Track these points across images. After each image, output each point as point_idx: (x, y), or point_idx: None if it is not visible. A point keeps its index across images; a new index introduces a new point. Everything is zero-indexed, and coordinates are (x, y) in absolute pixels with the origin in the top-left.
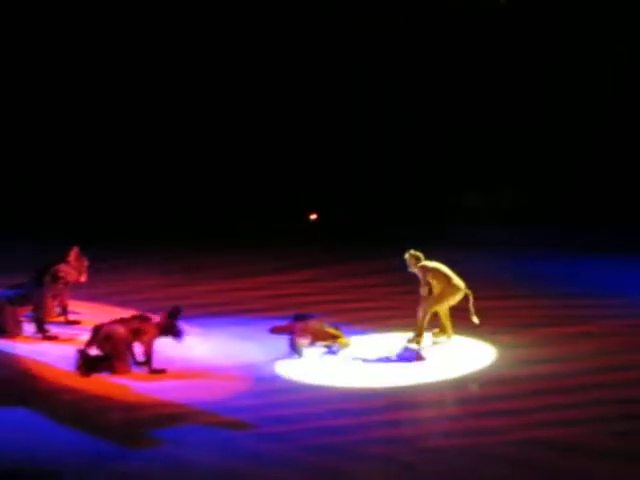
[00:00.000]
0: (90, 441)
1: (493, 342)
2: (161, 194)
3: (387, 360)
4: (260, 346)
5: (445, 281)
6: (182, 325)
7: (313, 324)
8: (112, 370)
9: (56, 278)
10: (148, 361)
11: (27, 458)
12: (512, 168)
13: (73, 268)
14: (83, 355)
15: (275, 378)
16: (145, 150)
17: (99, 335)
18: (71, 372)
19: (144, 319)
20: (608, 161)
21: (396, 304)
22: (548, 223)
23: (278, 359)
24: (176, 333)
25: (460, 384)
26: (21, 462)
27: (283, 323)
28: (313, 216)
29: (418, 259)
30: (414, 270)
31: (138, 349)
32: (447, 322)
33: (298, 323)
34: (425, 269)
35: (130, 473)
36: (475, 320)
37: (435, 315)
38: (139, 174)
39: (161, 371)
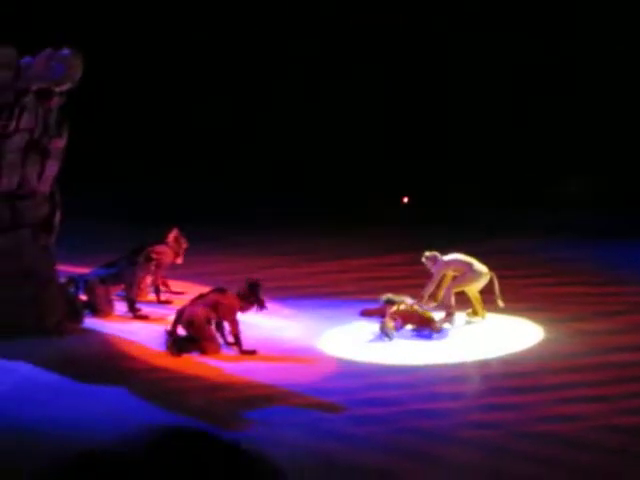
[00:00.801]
0: (180, 420)
1: (572, 328)
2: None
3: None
4: (350, 329)
5: (466, 267)
6: (262, 297)
7: (404, 307)
8: (202, 351)
9: (149, 259)
10: (238, 341)
11: (118, 436)
12: (591, 154)
13: (170, 249)
14: (172, 336)
15: (365, 360)
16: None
17: (182, 319)
18: (162, 352)
19: (221, 291)
20: None
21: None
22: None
23: (368, 342)
24: (257, 303)
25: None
26: (112, 440)
27: (374, 306)
28: (405, 199)
29: (435, 258)
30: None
31: (227, 329)
32: (478, 305)
33: (389, 306)
34: (444, 264)
35: None
36: (500, 303)
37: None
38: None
39: (251, 352)
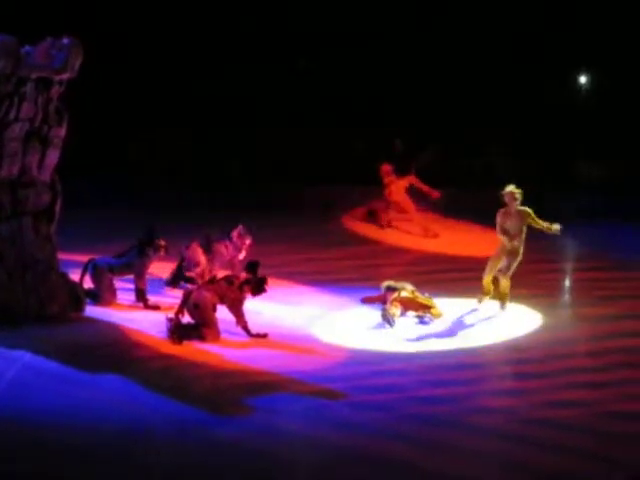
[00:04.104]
0: (182, 408)
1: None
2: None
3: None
4: (351, 316)
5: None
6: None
7: (405, 294)
8: (202, 338)
9: (158, 249)
10: (246, 331)
11: (121, 423)
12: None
13: (232, 244)
14: (174, 323)
15: (366, 347)
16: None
17: (189, 302)
18: (163, 339)
19: (230, 283)
20: None
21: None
22: None
23: (370, 329)
24: (255, 287)
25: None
26: (115, 428)
27: (375, 293)
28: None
29: (512, 195)
30: (515, 209)
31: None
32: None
33: (390, 293)
34: (526, 214)
35: (221, 440)
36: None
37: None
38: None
39: (263, 335)
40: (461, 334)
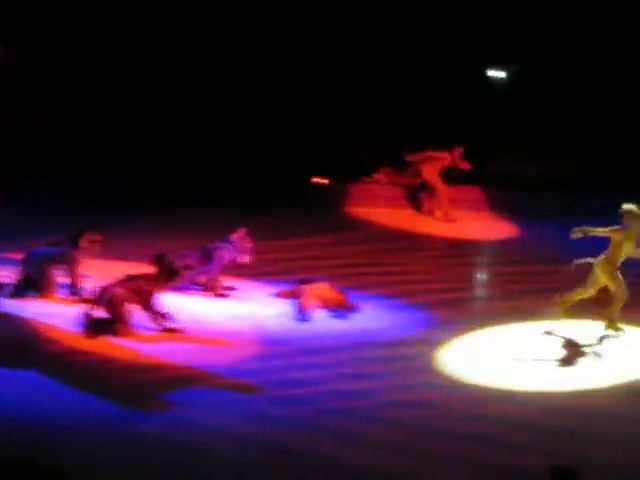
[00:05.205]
0: (101, 403)
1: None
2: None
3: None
4: (268, 310)
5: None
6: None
7: (319, 288)
8: (115, 332)
9: (93, 242)
10: (160, 324)
11: (39, 420)
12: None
13: (234, 247)
14: (89, 317)
15: (283, 341)
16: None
17: (103, 298)
18: (80, 334)
19: (147, 278)
20: None
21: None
22: None
23: (285, 322)
24: (169, 275)
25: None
26: (33, 424)
27: (290, 287)
28: (321, 180)
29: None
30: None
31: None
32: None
33: (304, 287)
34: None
35: (140, 435)
36: None
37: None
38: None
39: (179, 330)
40: (375, 327)
